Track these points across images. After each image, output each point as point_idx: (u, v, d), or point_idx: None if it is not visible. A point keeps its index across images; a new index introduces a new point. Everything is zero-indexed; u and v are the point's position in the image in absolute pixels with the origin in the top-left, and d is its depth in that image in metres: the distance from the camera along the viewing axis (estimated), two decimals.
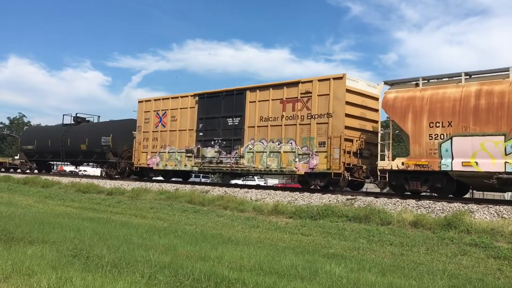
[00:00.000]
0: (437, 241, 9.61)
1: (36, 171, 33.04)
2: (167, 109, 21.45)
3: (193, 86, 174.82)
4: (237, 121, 18.43)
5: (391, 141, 14.25)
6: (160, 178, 23.19)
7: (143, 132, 22.54)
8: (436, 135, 12.75)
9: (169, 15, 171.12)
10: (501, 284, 6.39)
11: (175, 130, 20.89)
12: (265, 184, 37.80)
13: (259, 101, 17.81)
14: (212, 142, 19.20)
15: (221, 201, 15.20)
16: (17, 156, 42.81)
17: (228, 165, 18.51)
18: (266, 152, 17.31)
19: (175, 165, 20.73)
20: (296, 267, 6.56)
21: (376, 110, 16.74)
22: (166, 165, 21.19)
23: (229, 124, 18.73)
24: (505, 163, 11.60)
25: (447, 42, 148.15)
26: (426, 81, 13.66)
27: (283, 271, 6.30)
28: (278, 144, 16.94)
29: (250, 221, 12.61)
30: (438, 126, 12.71)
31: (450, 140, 12.48)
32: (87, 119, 31.15)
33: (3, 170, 38.60)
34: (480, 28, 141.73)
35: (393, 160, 13.85)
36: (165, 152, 21.23)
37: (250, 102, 18.10)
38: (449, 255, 8.65)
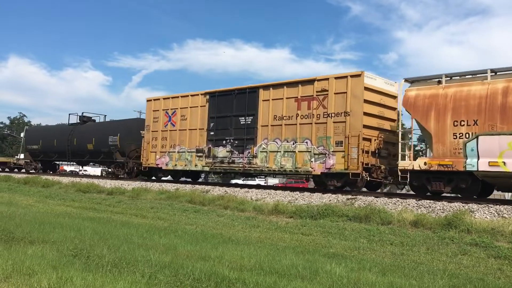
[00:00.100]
0: (438, 240, 9.60)
1: (41, 171, 32.68)
2: (177, 108, 21.05)
3: (193, 86, 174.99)
4: (250, 120, 18.07)
5: (412, 140, 13.79)
6: (168, 178, 22.67)
7: (152, 131, 22.17)
8: (461, 134, 12.23)
9: (169, 15, 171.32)
10: (502, 284, 6.39)
11: (185, 129, 20.55)
12: (266, 184, 37.76)
13: (272, 99, 17.39)
14: (224, 142, 18.84)
15: (222, 200, 15.18)
16: (17, 155, 42.78)
17: (240, 165, 18.12)
18: (280, 151, 16.89)
19: (185, 165, 20.33)
20: (297, 266, 6.56)
21: (394, 109, 16.31)
22: (175, 165, 20.78)
23: (241, 123, 18.35)
24: None
25: (447, 42, 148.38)
26: (449, 78, 13.07)
27: (284, 271, 6.29)
28: (293, 144, 16.53)
29: (251, 220, 12.60)
30: (463, 125, 12.19)
31: (476, 139, 11.96)
32: (93, 118, 30.86)
33: (7, 170, 38.41)
34: (480, 28, 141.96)
35: (414, 159, 13.42)
36: (174, 152, 20.84)
37: (263, 100, 17.70)
38: (449, 254, 8.65)
